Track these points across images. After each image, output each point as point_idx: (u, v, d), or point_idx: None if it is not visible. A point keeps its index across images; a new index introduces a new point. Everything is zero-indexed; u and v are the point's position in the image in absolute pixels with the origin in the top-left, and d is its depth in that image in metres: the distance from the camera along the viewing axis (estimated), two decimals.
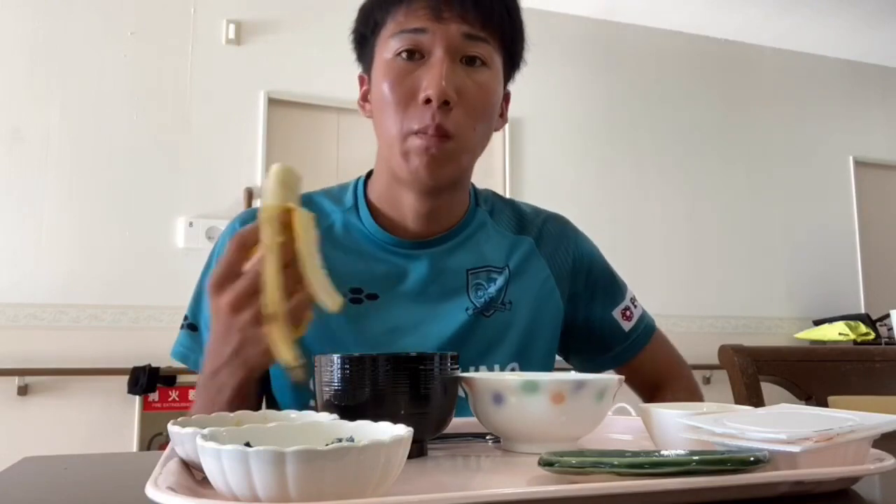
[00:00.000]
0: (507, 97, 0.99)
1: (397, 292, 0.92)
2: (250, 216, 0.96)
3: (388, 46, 0.87)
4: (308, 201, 0.96)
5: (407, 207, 0.93)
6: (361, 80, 0.96)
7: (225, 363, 0.71)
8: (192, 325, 0.93)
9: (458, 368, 0.67)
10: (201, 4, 3.51)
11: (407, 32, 0.85)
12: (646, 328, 1.05)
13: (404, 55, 0.86)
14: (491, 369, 0.92)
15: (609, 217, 4.08)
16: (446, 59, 0.84)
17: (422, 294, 0.92)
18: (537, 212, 1.07)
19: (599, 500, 0.46)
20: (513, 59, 0.94)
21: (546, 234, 1.03)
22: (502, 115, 0.98)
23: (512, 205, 1.06)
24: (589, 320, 1.03)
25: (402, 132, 0.85)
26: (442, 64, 0.84)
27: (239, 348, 0.68)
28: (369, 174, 1.00)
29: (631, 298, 1.06)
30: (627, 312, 1.03)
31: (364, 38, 0.93)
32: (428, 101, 0.83)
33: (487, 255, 0.97)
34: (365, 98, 0.96)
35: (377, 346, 0.88)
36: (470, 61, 0.87)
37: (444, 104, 0.83)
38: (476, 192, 1.03)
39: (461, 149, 0.88)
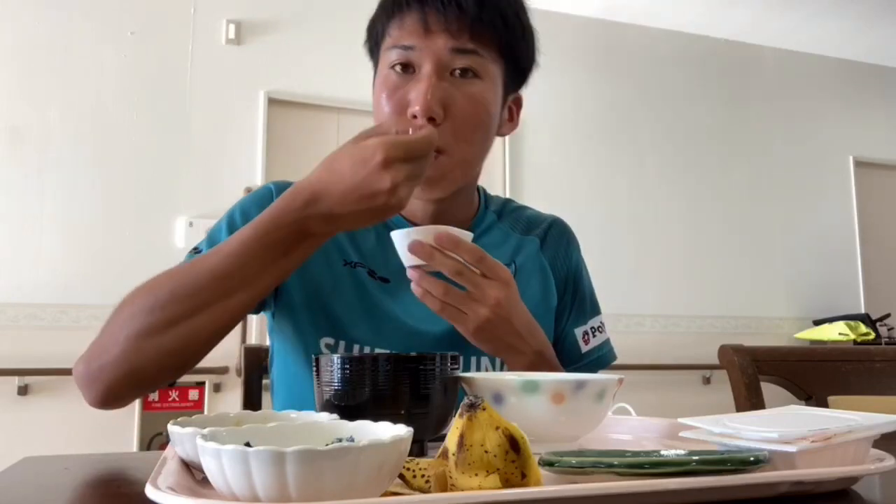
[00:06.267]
0: (518, 101, 1.00)
1: (407, 281, 0.94)
2: (287, 184, 0.98)
3: (386, 59, 0.90)
4: None
5: (415, 206, 0.97)
6: None
7: (353, 203, 0.71)
8: (197, 251, 0.92)
9: (458, 368, 0.67)
10: (201, 4, 3.51)
11: (398, 48, 0.88)
12: (601, 357, 1.05)
13: (398, 68, 0.89)
14: (492, 361, 0.95)
15: (609, 217, 4.08)
16: (434, 73, 0.86)
17: None
18: (542, 216, 1.10)
19: (599, 500, 0.46)
20: (518, 64, 0.94)
21: (550, 237, 1.07)
22: (512, 120, 0.99)
23: (520, 209, 1.10)
24: (558, 330, 1.04)
25: None
26: (428, 79, 0.86)
27: (391, 190, 0.70)
28: None
29: (598, 325, 1.06)
30: (586, 336, 1.04)
31: (372, 51, 0.96)
32: (415, 116, 0.85)
33: (494, 253, 0.98)
34: None
35: (389, 317, 0.93)
36: (462, 73, 0.88)
37: (431, 120, 0.85)
38: (486, 197, 1.07)
39: (454, 163, 0.89)
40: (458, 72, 0.88)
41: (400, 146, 0.70)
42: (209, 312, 0.75)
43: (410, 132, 0.73)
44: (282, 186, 0.98)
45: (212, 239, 0.92)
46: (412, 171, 0.71)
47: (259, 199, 0.96)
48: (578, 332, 1.03)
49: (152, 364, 0.76)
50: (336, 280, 0.94)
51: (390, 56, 0.89)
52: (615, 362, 1.07)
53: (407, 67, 0.88)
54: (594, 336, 1.05)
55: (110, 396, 0.78)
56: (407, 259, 0.79)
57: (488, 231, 1.02)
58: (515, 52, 0.93)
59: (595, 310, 1.08)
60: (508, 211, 1.08)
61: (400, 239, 0.79)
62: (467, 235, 0.79)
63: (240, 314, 0.79)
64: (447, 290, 0.78)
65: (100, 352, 0.78)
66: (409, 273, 0.80)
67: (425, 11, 0.86)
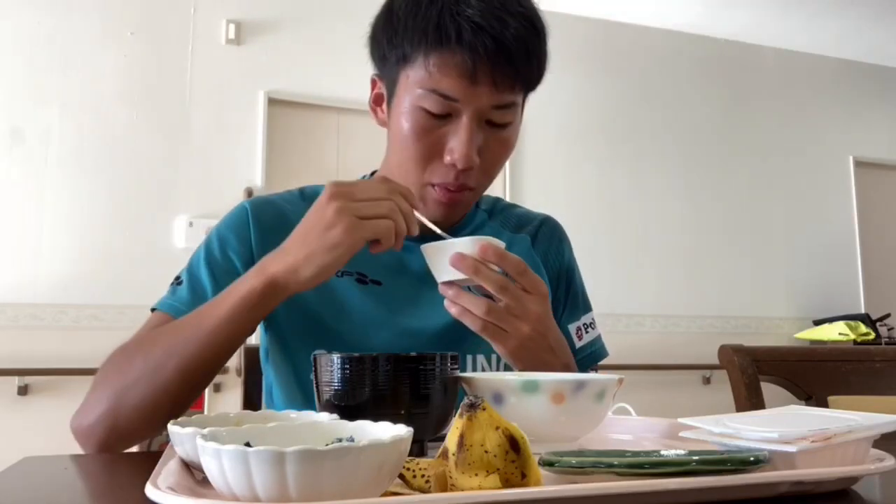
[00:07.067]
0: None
1: (400, 282, 0.95)
2: (262, 201, 0.98)
3: (415, 93, 0.84)
4: (314, 194, 0.98)
5: None
6: (374, 83, 0.95)
7: (318, 250, 0.73)
8: (178, 282, 0.93)
9: (457, 368, 0.67)
10: (201, 4, 3.51)
11: (438, 95, 0.83)
12: (594, 352, 1.04)
13: (432, 111, 0.84)
14: (489, 359, 0.95)
15: (609, 217, 4.08)
16: (473, 123, 0.84)
17: (423, 282, 0.92)
18: (532, 214, 1.11)
19: (599, 500, 0.46)
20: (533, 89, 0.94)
21: (541, 234, 1.07)
22: None
23: (510, 207, 1.10)
24: None
25: (422, 181, 0.88)
26: (469, 131, 0.83)
27: (350, 228, 0.71)
28: (373, 174, 1.02)
29: (590, 322, 1.06)
30: (580, 332, 1.04)
31: (385, 59, 0.89)
32: (453, 164, 0.85)
33: None
34: (378, 102, 0.95)
35: (382, 320, 0.92)
36: (496, 124, 0.87)
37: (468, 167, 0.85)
38: None
39: (477, 195, 0.93)
40: (495, 122, 0.86)
41: (346, 184, 0.73)
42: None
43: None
44: (256, 203, 0.97)
45: (191, 270, 0.92)
46: (360, 207, 0.72)
47: (235, 221, 0.95)
48: (572, 327, 1.03)
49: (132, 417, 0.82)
50: (321, 294, 0.91)
51: (422, 96, 0.83)
52: (615, 362, 1.07)
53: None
54: (587, 332, 1.04)
55: (104, 448, 0.86)
56: (444, 273, 0.74)
57: (479, 229, 1.03)
58: (537, 84, 0.92)
59: (587, 306, 1.08)
60: (499, 209, 1.08)
61: (436, 252, 0.75)
62: (501, 245, 0.75)
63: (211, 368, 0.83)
64: (490, 308, 0.74)
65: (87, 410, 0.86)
66: (443, 289, 0.76)
67: (474, 59, 0.81)
